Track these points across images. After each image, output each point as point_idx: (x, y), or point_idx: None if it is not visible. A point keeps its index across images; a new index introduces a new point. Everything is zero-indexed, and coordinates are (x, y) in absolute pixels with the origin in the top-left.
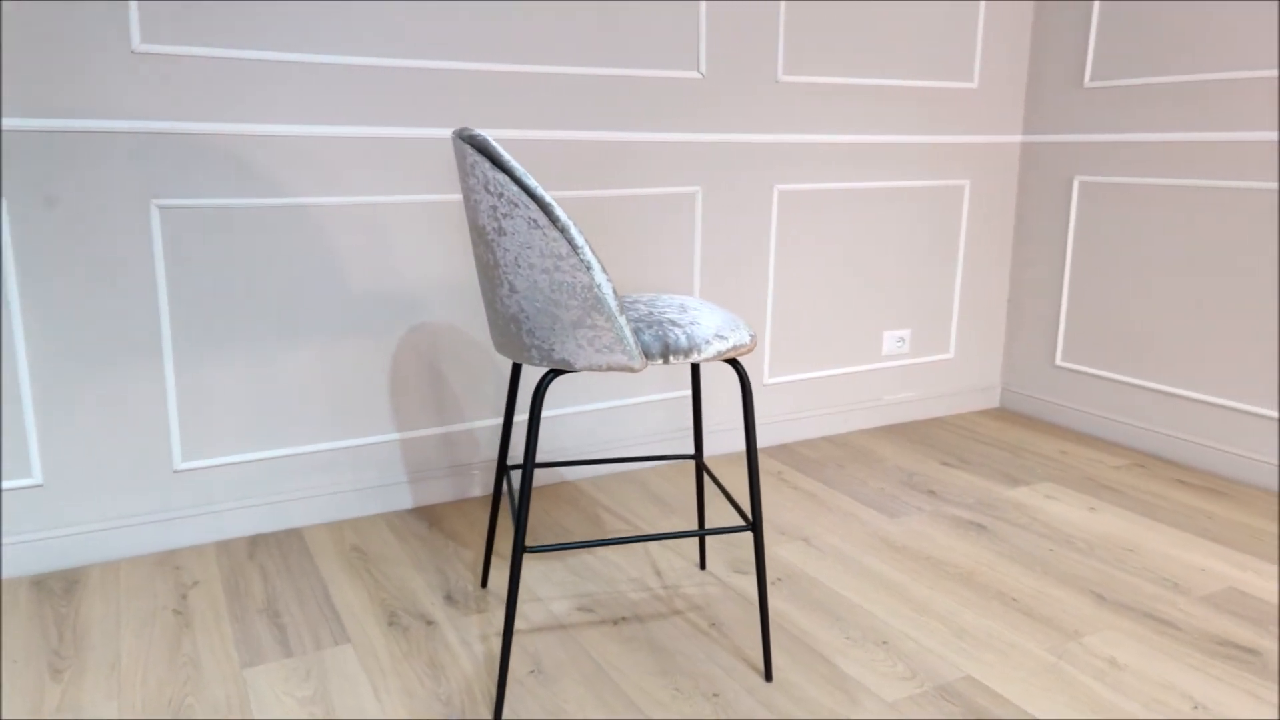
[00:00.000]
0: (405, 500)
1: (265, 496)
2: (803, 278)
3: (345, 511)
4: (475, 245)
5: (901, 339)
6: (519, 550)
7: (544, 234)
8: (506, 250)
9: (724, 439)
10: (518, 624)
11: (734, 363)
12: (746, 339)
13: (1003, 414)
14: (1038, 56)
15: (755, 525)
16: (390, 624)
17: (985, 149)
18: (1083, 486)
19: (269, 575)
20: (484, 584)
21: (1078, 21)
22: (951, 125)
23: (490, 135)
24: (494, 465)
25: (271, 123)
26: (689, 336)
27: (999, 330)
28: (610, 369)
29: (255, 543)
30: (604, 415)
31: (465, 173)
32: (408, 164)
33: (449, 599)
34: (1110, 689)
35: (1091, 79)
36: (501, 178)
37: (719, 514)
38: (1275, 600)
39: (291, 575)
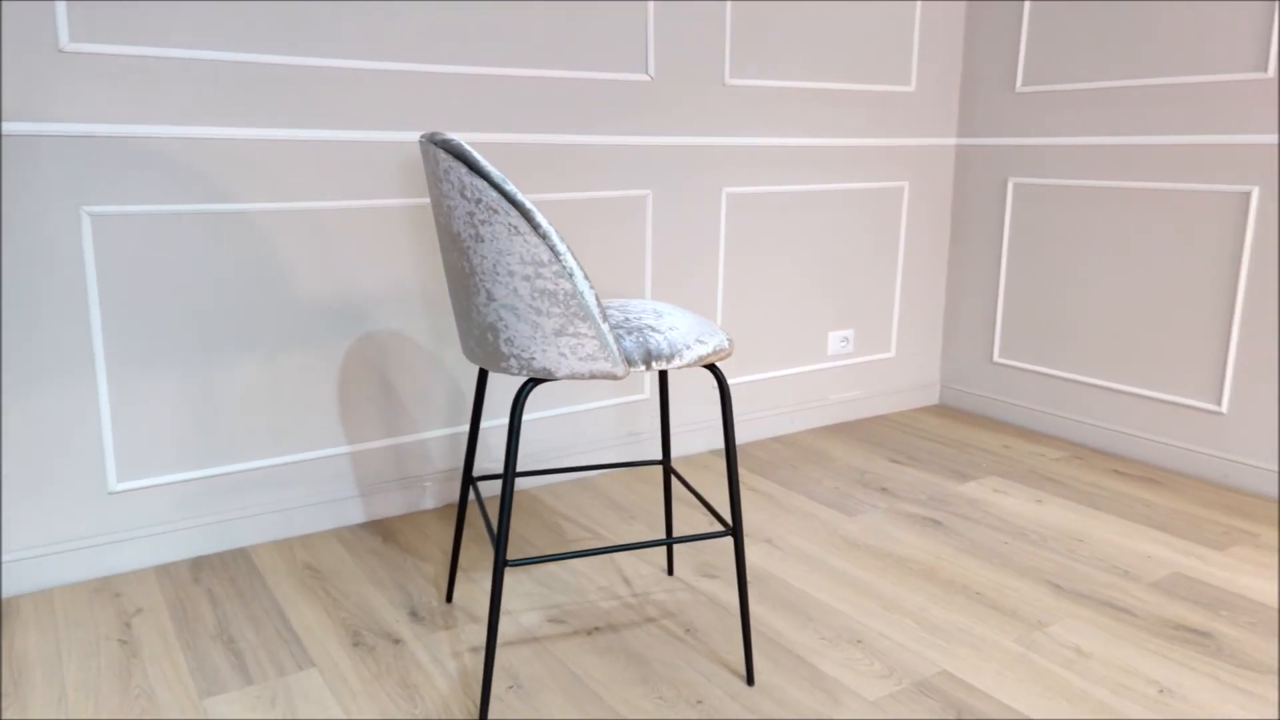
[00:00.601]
0: (356, 515)
1: (207, 516)
2: (751, 280)
3: (293, 528)
4: (447, 252)
5: (846, 339)
6: (500, 564)
7: (525, 240)
8: (484, 257)
9: (678, 442)
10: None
11: (712, 368)
12: (725, 344)
13: (943, 410)
14: (970, 61)
15: (736, 530)
16: (355, 644)
17: (922, 151)
18: (1027, 479)
19: (218, 599)
20: (449, 599)
21: (1008, 29)
22: (890, 128)
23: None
24: (447, 476)
25: (209, 125)
26: (670, 343)
27: (938, 329)
28: (593, 377)
29: (199, 565)
30: (556, 422)
31: (437, 178)
32: (353, 168)
33: (414, 616)
34: (1079, 676)
35: (1023, 84)
36: (480, 184)
37: (685, 519)
38: (1220, 584)
39: (242, 598)
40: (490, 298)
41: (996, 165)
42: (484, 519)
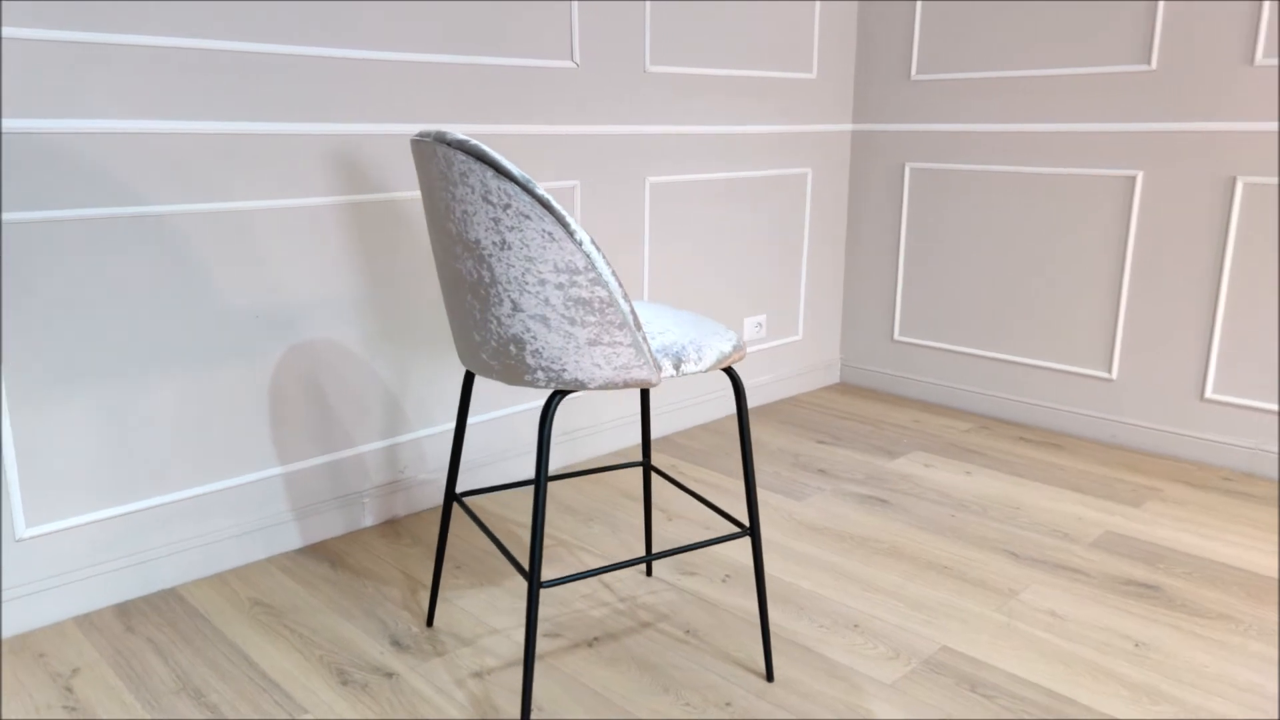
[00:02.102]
0: (292, 540)
1: (130, 556)
2: (673, 269)
3: (225, 561)
4: (454, 260)
5: (760, 324)
6: (535, 585)
7: (559, 247)
8: (510, 265)
9: (615, 436)
10: (488, 661)
11: (729, 370)
12: (741, 343)
13: (845, 389)
14: (864, 50)
15: (754, 530)
16: (344, 683)
17: (824, 138)
18: (948, 452)
19: (164, 648)
20: (430, 623)
21: (903, 19)
22: (795, 115)
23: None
24: (387, 491)
25: (120, 118)
26: (696, 346)
27: (838, 310)
28: (626, 386)
29: (126, 612)
30: (489, 427)
31: (450, 181)
32: (281, 164)
33: (398, 645)
34: (1062, 638)
35: (918, 73)
36: (510, 188)
37: (658, 521)
38: (1147, 539)
39: (191, 644)
40: (516, 308)
41: (894, 151)
42: (489, 535)
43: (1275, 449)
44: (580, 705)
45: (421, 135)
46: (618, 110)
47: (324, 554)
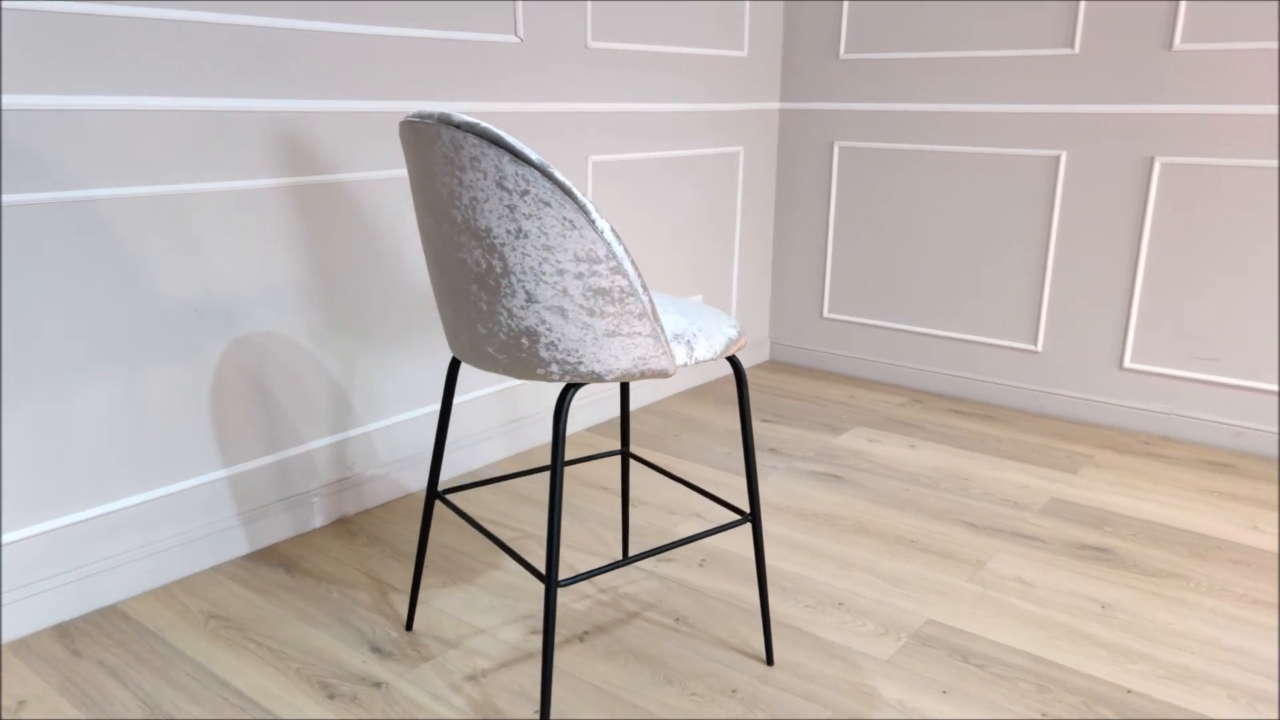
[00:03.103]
0: (239, 546)
1: (67, 574)
2: None
3: (169, 572)
4: (457, 251)
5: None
6: (552, 584)
7: (580, 235)
8: (526, 255)
9: (538, 428)
10: (480, 663)
11: (732, 358)
12: (742, 331)
13: (776, 366)
14: (793, 28)
15: (755, 517)
16: (330, 696)
17: (754, 116)
18: (889, 426)
19: (119, 671)
20: (409, 626)
21: None
22: (727, 93)
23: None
24: (337, 489)
25: (40, 93)
26: (706, 335)
27: (767, 288)
28: (644, 376)
29: (67, 634)
30: (432, 418)
31: (456, 166)
32: (219, 143)
33: (379, 652)
34: (1035, 604)
35: (846, 52)
36: (529, 173)
37: (611, 504)
38: (1089, 504)
39: (149, 664)
40: (531, 299)
41: (822, 130)
42: (480, 529)
43: (1192, 414)
44: (588, 703)
45: (420, 116)
46: (560, 87)
47: (276, 559)
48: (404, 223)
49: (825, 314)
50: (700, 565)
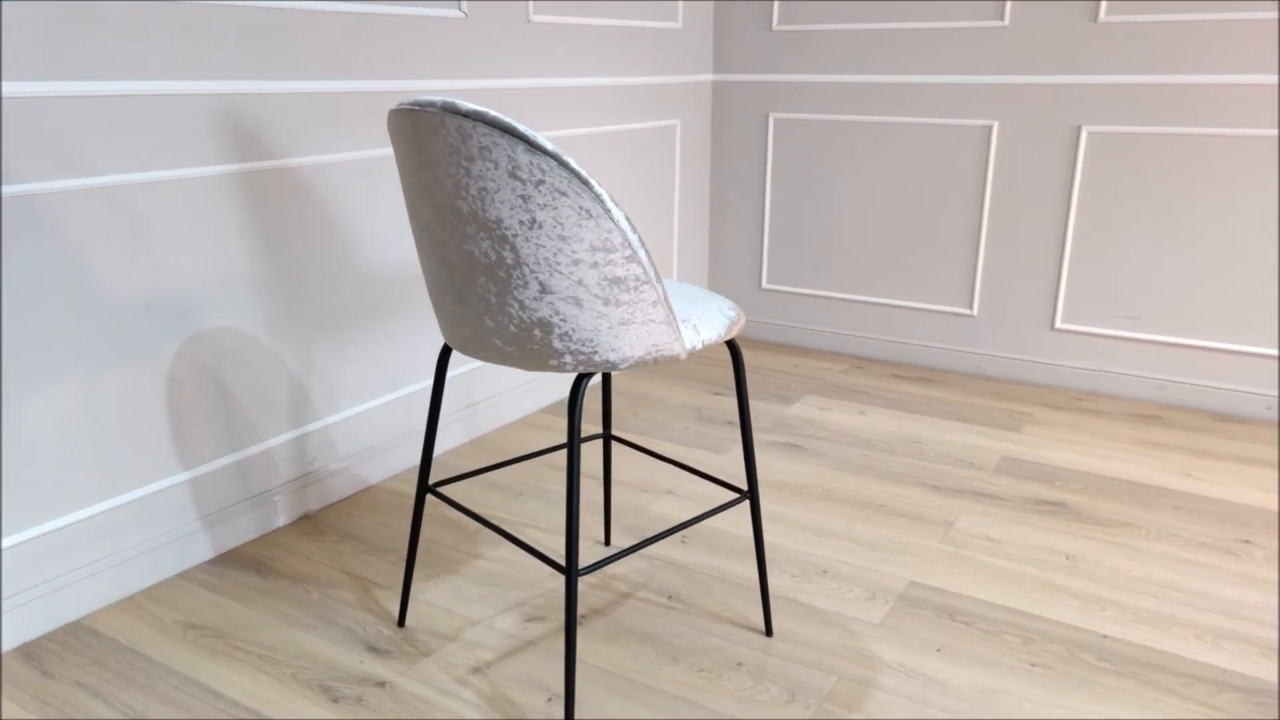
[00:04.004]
0: (203, 551)
1: (26, 592)
2: None
3: (133, 583)
4: (463, 243)
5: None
6: (573, 574)
7: (596, 225)
8: (540, 246)
9: (515, 405)
10: (482, 655)
11: (730, 341)
12: (741, 313)
13: None
14: None
15: (752, 494)
16: (334, 700)
17: (690, 89)
18: (836, 394)
19: (100, 690)
20: (401, 623)
21: None
22: (664, 65)
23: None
24: (299, 485)
25: None
26: (709, 319)
27: (705, 260)
28: (655, 362)
29: (33, 655)
30: (388, 409)
31: (463, 156)
32: (161, 129)
33: (375, 651)
34: (1005, 560)
35: (779, 23)
36: (545, 163)
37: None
38: (1037, 460)
39: (132, 681)
40: (545, 290)
41: (757, 101)
42: (484, 522)
43: (1119, 370)
44: (599, 687)
45: (419, 104)
46: (504, 64)
47: (244, 562)
48: (356, 208)
49: (764, 285)
50: (683, 542)
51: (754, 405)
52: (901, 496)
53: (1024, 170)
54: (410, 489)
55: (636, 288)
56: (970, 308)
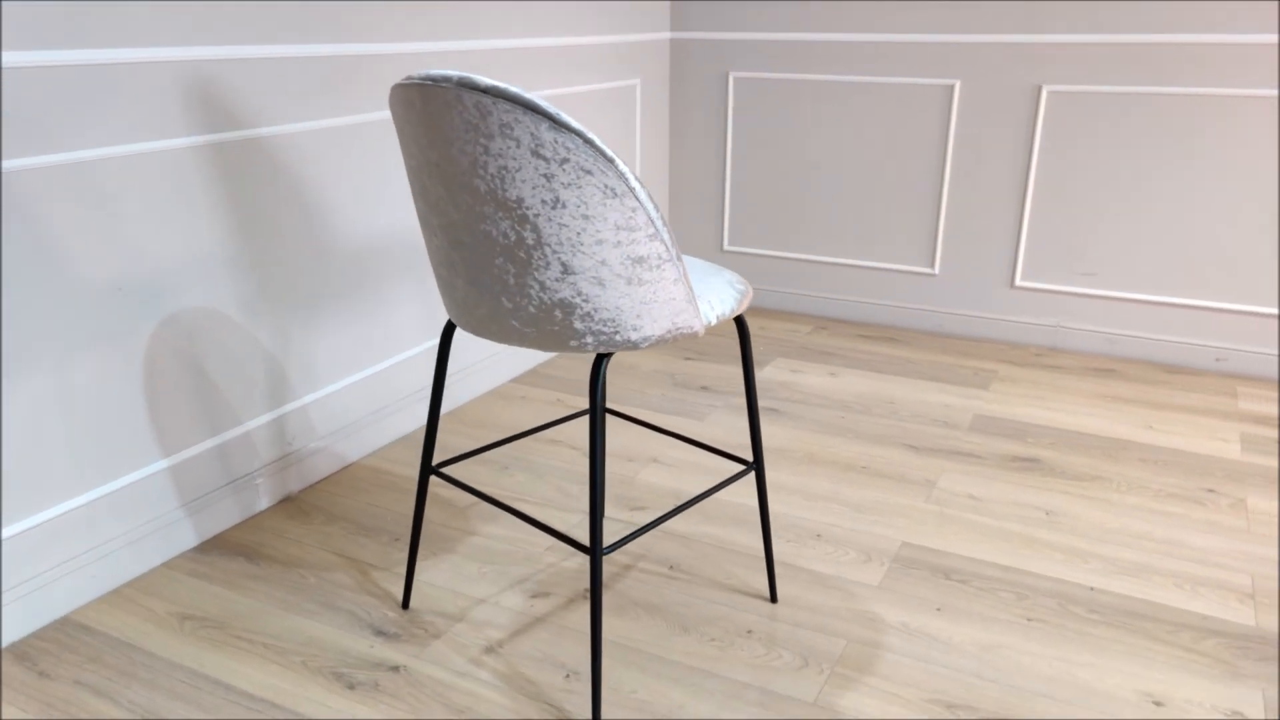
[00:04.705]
0: (187, 538)
1: (11, 590)
2: None
3: (119, 575)
4: (480, 223)
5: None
6: (598, 553)
7: (621, 203)
8: (564, 226)
9: (485, 377)
10: (493, 634)
11: (738, 316)
12: (749, 288)
13: None
14: None
15: (758, 465)
16: (350, 686)
17: (649, 47)
18: (805, 356)
19: (103, 688)
20: (406, 605)
21: None
22: (621, 23)
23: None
24: (279, 467)
25: None
26: (720, 294)
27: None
28: (674, 339)
29: (23, 655)
30: (365, 385)
31: (482, 133)
32: (127, 100)
33: (383, 635)
34: (988, 517)
35: None
36: (570, 140)
37: (573, 460)
38: (1008, 416)
39: (135, 677)
40: (567, 270)
41: (717, 60)
42: (490, 501)
43: (1076, 326)
44: (614, 660)
45: (434, 79)
46: (451, 23)
47: (230, 548)
48: (329, 178)
49: (725, 247)
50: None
51: (725, 370)
52: (883, 458)
53: (985, 130)
54: (392, 465)
55: (659, 266)
56: (932, 267)
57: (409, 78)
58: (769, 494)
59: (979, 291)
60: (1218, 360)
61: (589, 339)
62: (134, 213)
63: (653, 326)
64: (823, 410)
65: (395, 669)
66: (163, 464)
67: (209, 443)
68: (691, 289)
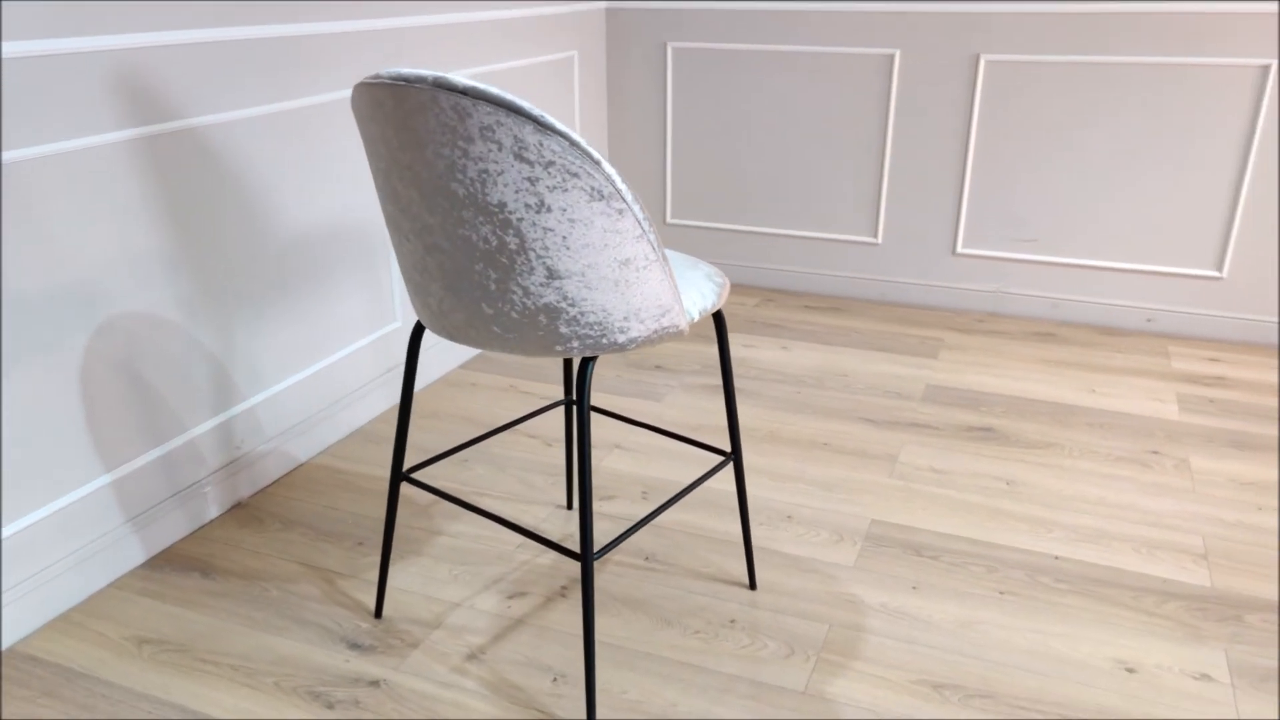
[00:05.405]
0: (135, 555)
1: None
2: None
3: (65, 599)
4: (458, 228)
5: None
6: (589, 559)
7: (607, 205)
8: (549, 230)
9: (421, 371)
10: (473, 639)
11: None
12: (725, 277)
13: None
14: None
15: (736, 455)
16: (329, 705)
17: (582, 17)
18: (755, 330)
19: None
20: (379, 614)
21: None
22: None
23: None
24: (227, 474)
25: None
26: (700, 289)
27: None
28: (660, 340)
29: None
30: (310, 383)
31: (460, 136)
32: (44, 97)
33: (358, 648)
34: (952, 490)
35: None
36: (556, 143)
37: (537, 450)
38: (958, 385)
39: (96, 710)
40: (553, 275)
41: (654, 30)
42: (462, 505)
43: (1017, 291)
44: (599, 659)
45: (406, 79)
46: (395, 3)
47: (183, 563)
48: (264, 169)
49: (668, 220)
50: (644, 498)
51: (678, 347)
52: (843, 433)
53: (926, 99)
54: (346, 463)
55: (645, 267)
56: (875, 236)
57: (377, 76)
58: (728, 473)
59: (922, 260)
60: (1148, 321)
61: (575, 343)
62: (62, 215)
63: (640, 328)
64: (779, 386)
65: (375, 684)
66: (105, 479)
67: (153, 453)
68: (677, 289)
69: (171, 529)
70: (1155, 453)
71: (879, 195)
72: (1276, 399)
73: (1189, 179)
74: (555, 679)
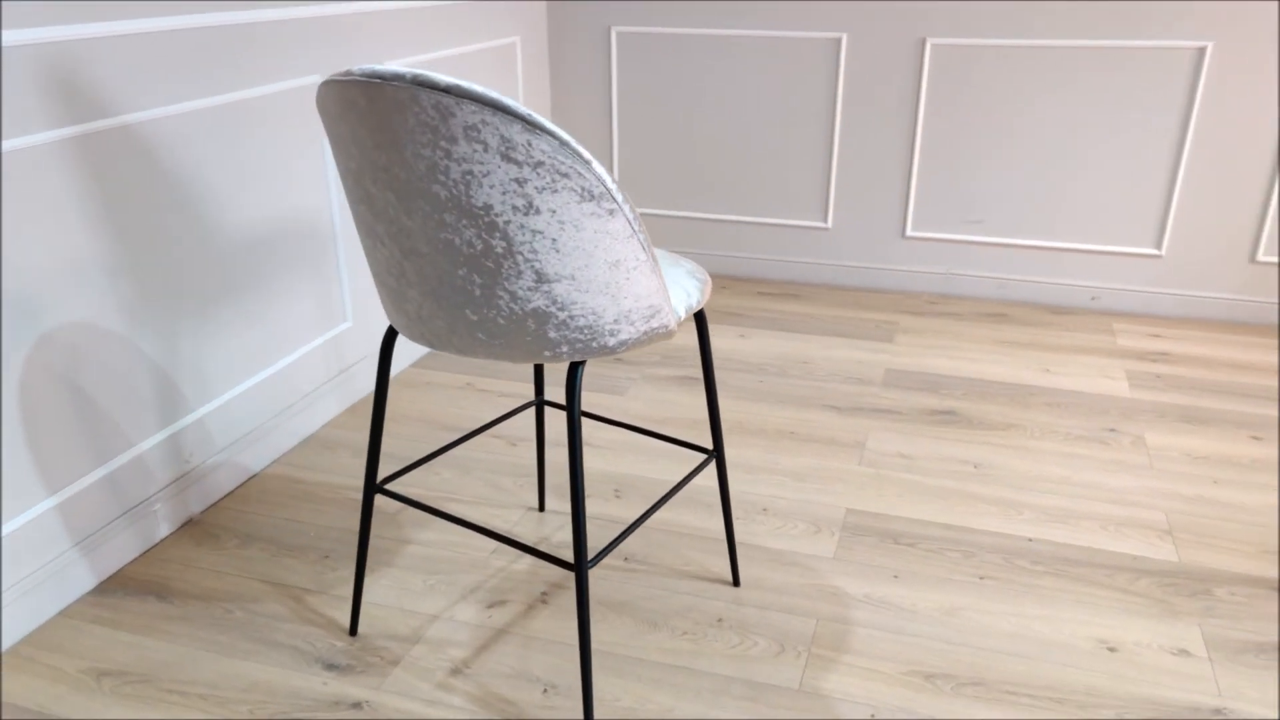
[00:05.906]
0: (84, 581)
1: None
2: None
3: (12, 632)
4: (440, 231)
5: None
6: (583, 568)
7: (598, 206)
8: (538, 233)
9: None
10: (455, 653)
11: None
12: (707, 275)
13: None
14: None
15: (718, 453)
16: None
17: (525, 3)
18: (713, 318)
19: None
20: (354, 631)
21: None
22: None
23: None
24: (176, 490)
25: None
26: (683, 286)
27: None
28: (650, 341)
29: None
30: (262, 388)
31: (443, 136)
32: None
33: (334, 668)
34: (922, 475)
35: None
36: (546, 144)
37: (500, 449)
38: (917, 369)
39: None
40: (542, 279)
41: (596, 14)
42: (440, 515)
43: (965, 273)
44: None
45: (382, 76)
46: None
47: (136, 586)
48: (213, 164)
49: None
50: (617, 497)
51: None
52: (810, 421)
53: (873, 82)
54: (301, 471)
55: (635, 268)
56: (825, 220)
57: (348, 73)
58: (706, 469)
59: (872, 243)
60: (1093, 299)
61: (564, 348)
62: None
63: (630, 330)
64: (741, 375)
65: (357, 705)
66: (49, 503)
67: (98, 472)
68: (666, 290)
69: (121, 551)
70: (1112, 430)
71: (829, 179)
72: (1219, 373)
73: (1129, 160)
74: (546, 690)
